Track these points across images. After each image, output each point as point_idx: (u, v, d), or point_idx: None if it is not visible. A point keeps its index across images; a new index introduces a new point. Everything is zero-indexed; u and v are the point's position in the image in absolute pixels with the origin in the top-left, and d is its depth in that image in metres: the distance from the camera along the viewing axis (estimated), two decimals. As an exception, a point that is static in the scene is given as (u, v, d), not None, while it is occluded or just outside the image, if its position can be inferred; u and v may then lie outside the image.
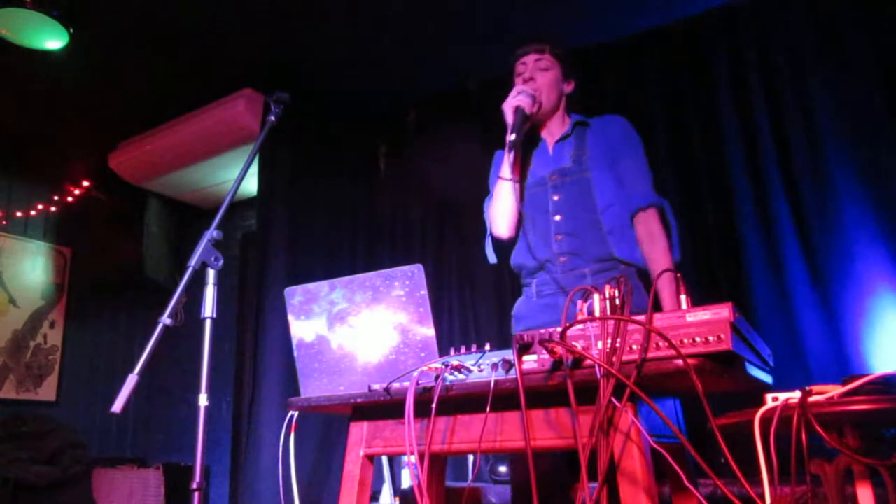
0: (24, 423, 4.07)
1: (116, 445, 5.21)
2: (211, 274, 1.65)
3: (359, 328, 1.42)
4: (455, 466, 3.47)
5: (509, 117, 1.97)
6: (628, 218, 2.02)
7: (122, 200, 5.16)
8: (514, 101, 1.98)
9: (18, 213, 4.91)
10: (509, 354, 1.18)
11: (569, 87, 2.16)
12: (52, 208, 5.07)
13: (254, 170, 4.16)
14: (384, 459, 3.21)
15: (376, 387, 1.30)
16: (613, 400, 1.05)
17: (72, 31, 3.46)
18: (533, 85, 2.06)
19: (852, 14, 3.03)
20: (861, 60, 2.97)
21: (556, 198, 2.04)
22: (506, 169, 2.05)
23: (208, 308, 1.63)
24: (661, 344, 1.05)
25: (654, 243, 1.96)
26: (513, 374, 1.15)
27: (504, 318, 3.35)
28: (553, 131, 2.16)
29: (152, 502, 4.38)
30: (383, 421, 1.39)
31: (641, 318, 1.07)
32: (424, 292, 1.36)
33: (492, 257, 2.16)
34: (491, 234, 2.12)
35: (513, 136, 1.92)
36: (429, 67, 3.89)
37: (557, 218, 2.02)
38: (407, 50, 3.81)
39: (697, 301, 1.12)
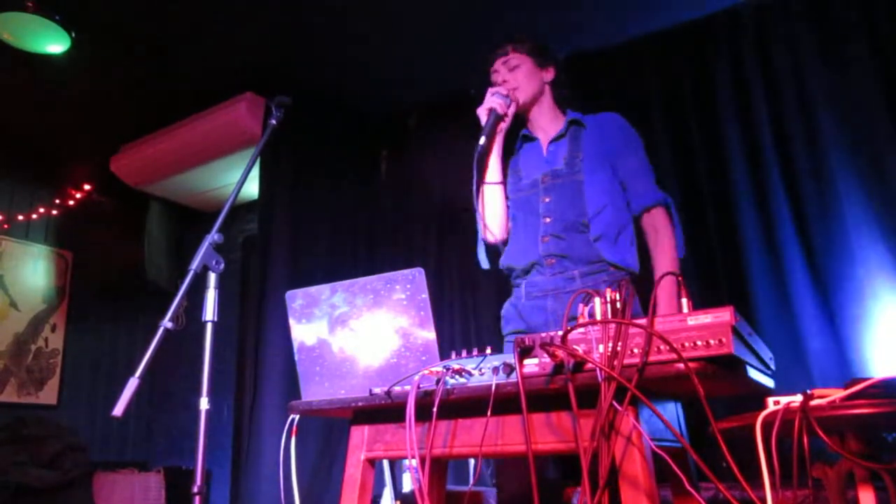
0: (25, 426, 4.06)
1: (117, 449, 5.20)
2: (212, 277, 1.65)
3: (360, 332, 1.42)
4: (456, 470, 3.46)
5: (483, 120, 2.00)
6: (628, 219, 2.01)
7: (123, 204, 5.18)
8: (487, 104, 2.02)
9: (20, 217, 4.91)
10: (510, 358, 1.18)
11: (548, 75, 2.15)
12: (54, 212, 5.07)
13: (255, 173, 4.17)
14: (385, 463, 3.20)
15: (377, 390, 1.30)
16: (615, 403, 1.05)
17: (73, 35, 3.47)
18: (507, 85, 2.08)
19: (853, 15, 3.03)
20: (862, 62, 2.97)
21: (546, 200, 2.02)
22: (491, 173, 2.07)
23: (209, 311, 1.64)
24: (662, 347, 1.05)
25: (658, 241, 1.96)
26: (514, 377, 1.15)
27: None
28: (546, 129, 2.14)
29: (153, 506, 4.38)
30: (384, 424, 1.38)
31: (643, 321, 1.07)
32: (425, 296, 1.36)
33: (484, 263, 2.15)
34: (483, 239, 2.11)
35: (482, 140, 1.96)
36: (430, 71, 3.90)
37: (547, 220, 1.99)
38: (408, 53, 3.82)
39: (699, 304, 1.12)
